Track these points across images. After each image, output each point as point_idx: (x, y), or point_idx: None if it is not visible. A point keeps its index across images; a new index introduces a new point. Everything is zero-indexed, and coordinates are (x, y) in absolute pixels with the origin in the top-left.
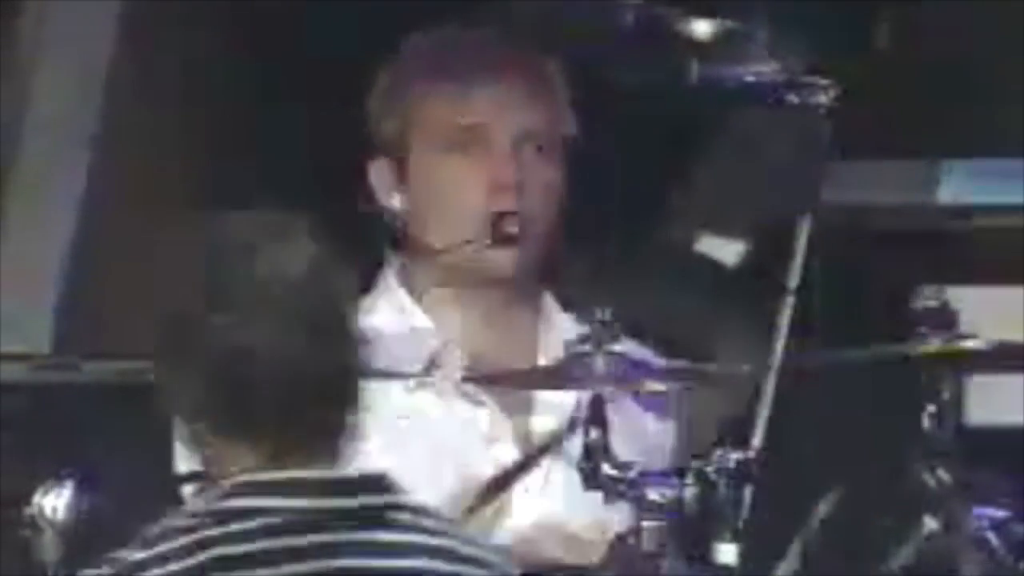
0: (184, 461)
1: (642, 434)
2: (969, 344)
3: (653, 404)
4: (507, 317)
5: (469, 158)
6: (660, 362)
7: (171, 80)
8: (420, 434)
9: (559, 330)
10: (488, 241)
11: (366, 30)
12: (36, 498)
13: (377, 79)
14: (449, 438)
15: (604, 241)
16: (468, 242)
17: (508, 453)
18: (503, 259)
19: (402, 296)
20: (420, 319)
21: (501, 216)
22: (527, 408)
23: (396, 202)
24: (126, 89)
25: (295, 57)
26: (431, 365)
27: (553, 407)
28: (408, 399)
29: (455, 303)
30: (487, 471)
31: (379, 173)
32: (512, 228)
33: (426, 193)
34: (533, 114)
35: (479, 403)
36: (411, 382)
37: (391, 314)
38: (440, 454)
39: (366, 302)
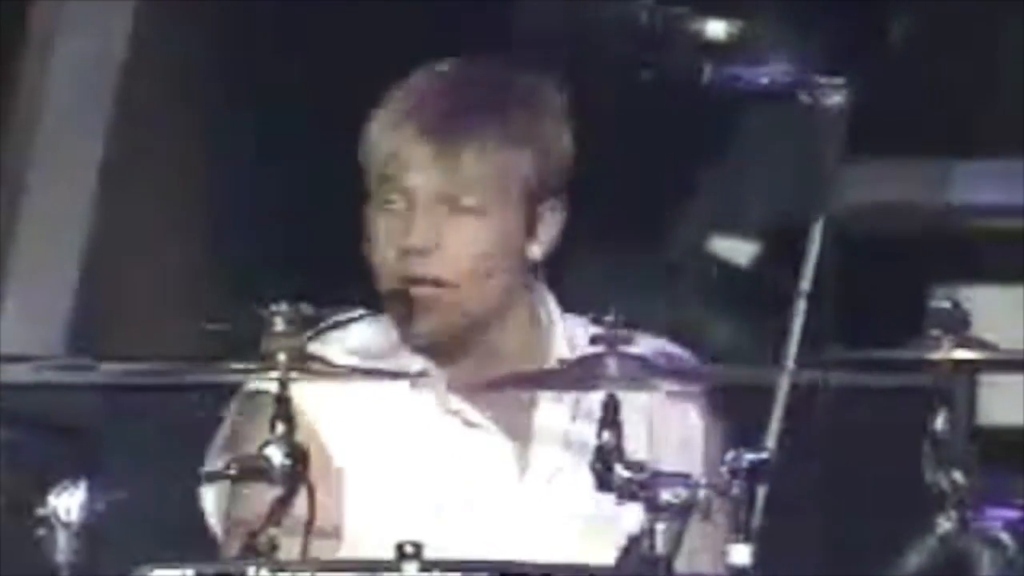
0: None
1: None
2: (979, 349)
3: None
4: (490, 345)
5: (390, 218)
6: (690, 358)
7: (186, 80)
8: (416, 452)
9: (560, 335)
10: (398, 313)
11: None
12: (50, 499)
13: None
14: (440, 457)
15: (615, 242)
16: (391, 307)
17: (506, 475)
18: (419, 326)
19: (390, 326)
20: (403, 346)
21: (401, 285)
22: (524, 431)
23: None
24: (140, 91)
25: (308, 59)
26: (419, 380)
27: (551, 431)
28: (399, 417)
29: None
30: (481, 492)
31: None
32: (401, 303)
33: (369, 246)
34: (455, 173)
35: (471, 424)
36: (404, 401)
37: (383, 335)
38: (431, 473)
39: (366, 319)
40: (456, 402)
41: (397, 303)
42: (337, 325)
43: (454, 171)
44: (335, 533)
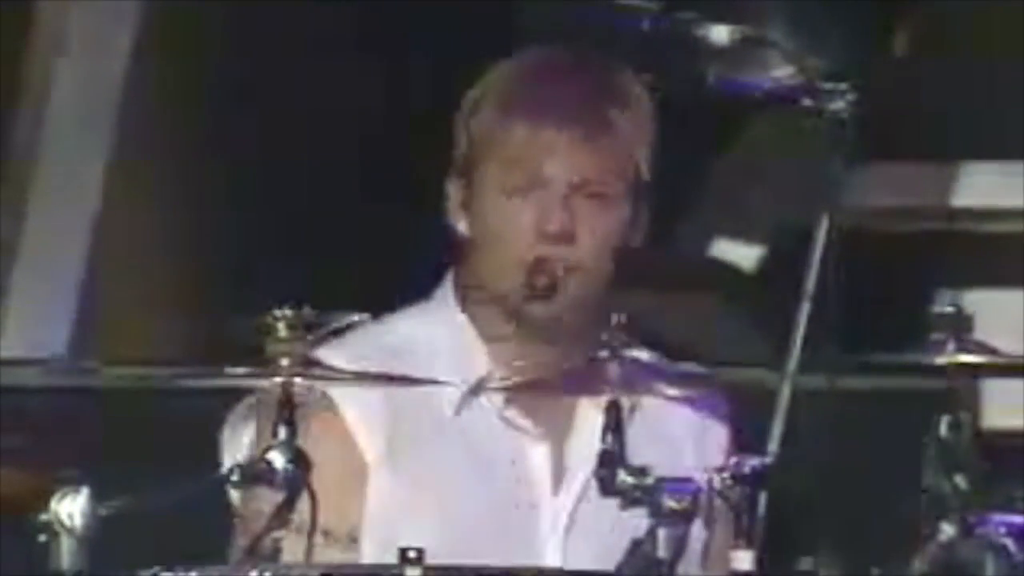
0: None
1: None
2: (982, 353)
3: None
4: (561, 348)
5: (524, 202)
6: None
7: (190, 84)
8: (458, 456)
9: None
10: (525, 294)
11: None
12: (53, 504)
13: (467, 95)
14: (486, 463)
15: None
16: (505, 296)
17: (543, 483)
18: (537, 310)
19: (459, 315)
20: (473, 341)
21: (538, 266)
22: (569, 440)
23: (461, 224)
24: (145, 95)
25: (307, 65)
26: (477, 388)
27: (594, 435)
28: (450, 421)
29: (507, 329)
30: (522, 498)
31: (452, 191)
32: (543, 282)
33: (482, 226)
34: (593, 161)
35: (520, 429)
36: (454, 405)
37: (444, 327)
38: (476, 478)
39: (416, 310)
40: (500, 401)
41: (523, 286)
42: (337, 332)
43: (592, 159)
44: (354, 536)
